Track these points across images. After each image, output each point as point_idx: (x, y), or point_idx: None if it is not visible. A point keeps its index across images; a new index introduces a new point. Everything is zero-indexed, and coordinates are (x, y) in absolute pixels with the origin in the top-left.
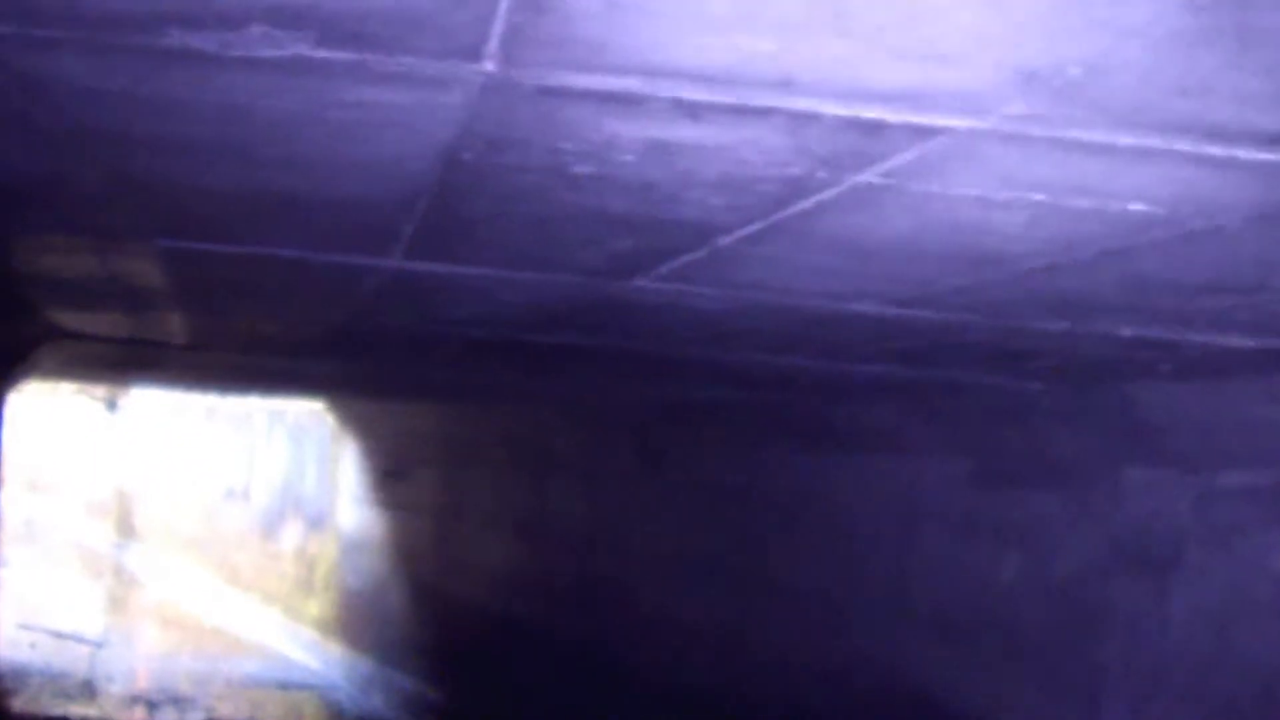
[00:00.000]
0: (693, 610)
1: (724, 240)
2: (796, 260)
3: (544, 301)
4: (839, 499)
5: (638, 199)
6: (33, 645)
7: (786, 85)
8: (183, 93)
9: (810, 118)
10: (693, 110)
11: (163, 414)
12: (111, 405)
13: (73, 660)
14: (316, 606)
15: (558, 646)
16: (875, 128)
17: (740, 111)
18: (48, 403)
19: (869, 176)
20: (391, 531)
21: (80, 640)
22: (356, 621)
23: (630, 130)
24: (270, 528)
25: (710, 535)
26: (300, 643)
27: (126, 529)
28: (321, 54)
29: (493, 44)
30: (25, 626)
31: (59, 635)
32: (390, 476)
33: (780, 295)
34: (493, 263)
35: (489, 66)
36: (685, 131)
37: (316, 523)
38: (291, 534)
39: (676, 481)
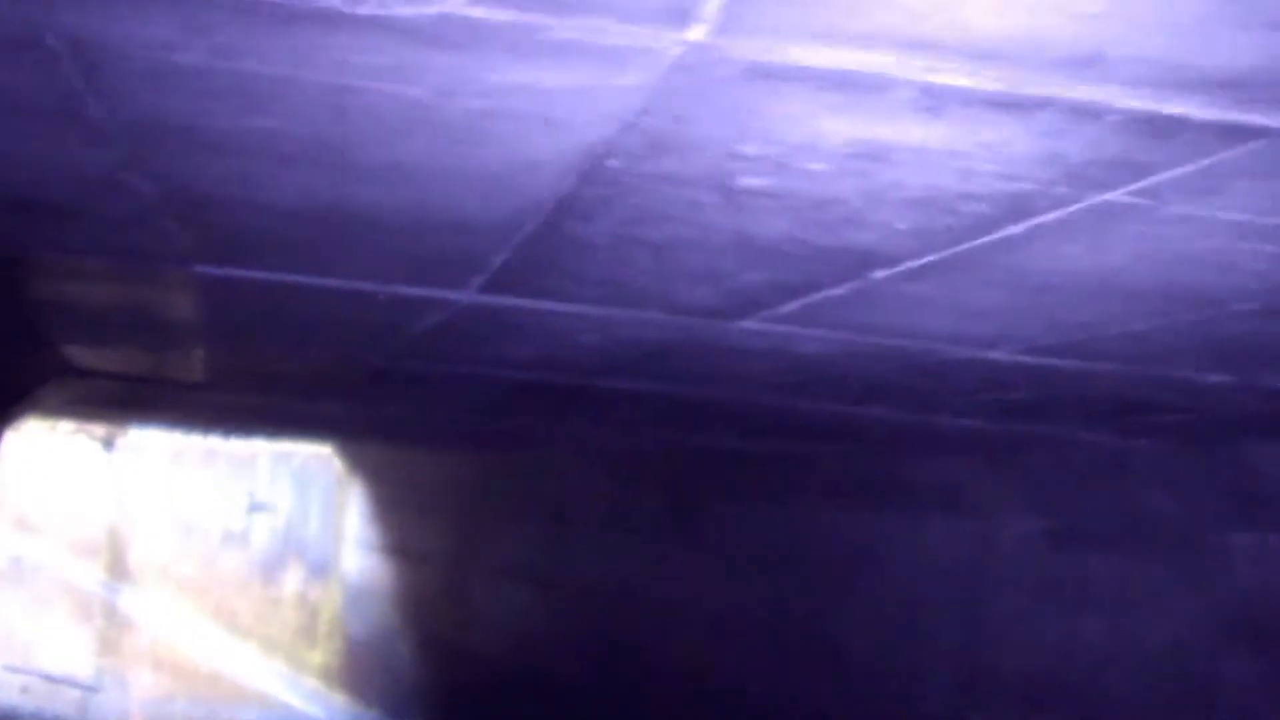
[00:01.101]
0: (728, 674)
1: (880, 274)
2: (950, 300)
3: (624, 343)
4: (899, 559)
5: (805, 221)
6: (24, 689)
7: (1090, 64)
8: (281, 69)
9: (1091, 113)
10: (937, 101)
11: (161, 454)
12: (108, 445)
13: (65, 705)
14: (319, 655)
15: (573, 705)
16: (1170, 127)
17: (1001, 104)
18: (43, 440)
19: (1118, 195)
20: (399, 580)
21: (73, 684)
22: (361, 671)
23: (843, 129)
24: (271, 573)
25: (750, 595)
26: (302, 692)
27: (121, 571)
28: (478, 11)
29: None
30: (15, 669)
31: (51, 679)
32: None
33: (902, 339)
34: (584, 298)
35: (696, 33)
36: (913, 131)
37: (320, 569)
38: (293, 580)
39: (712, 536)
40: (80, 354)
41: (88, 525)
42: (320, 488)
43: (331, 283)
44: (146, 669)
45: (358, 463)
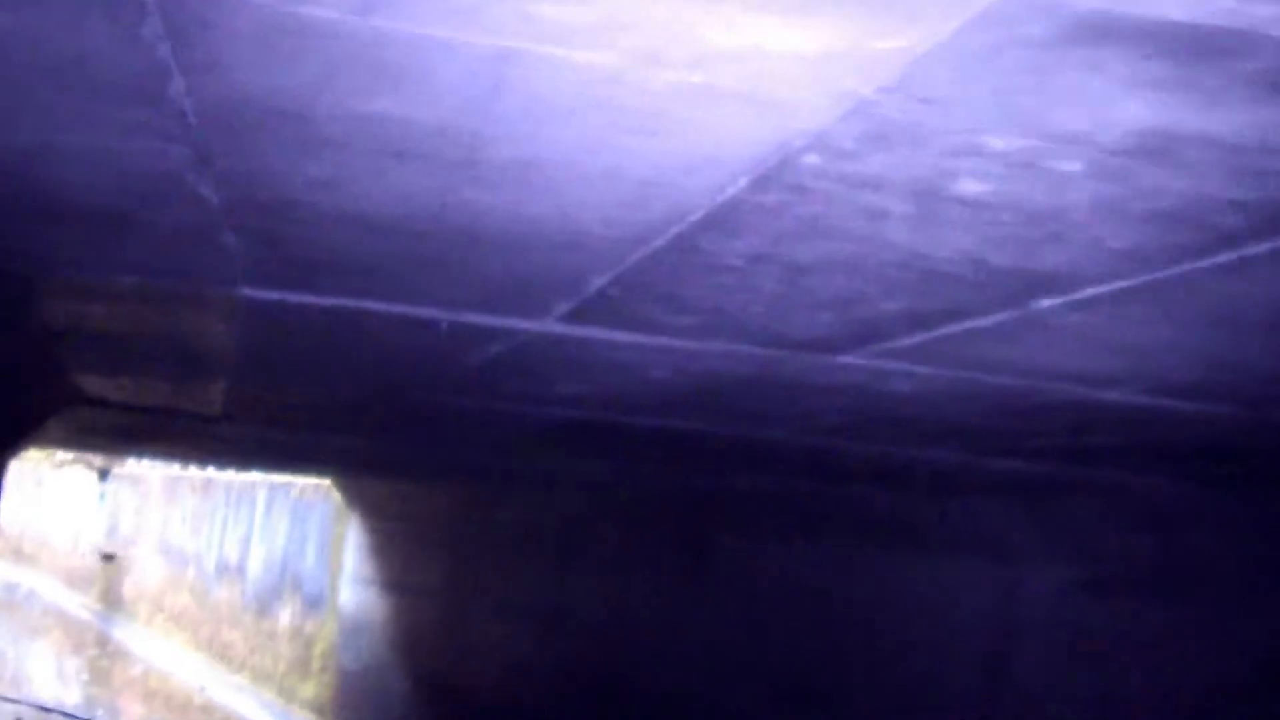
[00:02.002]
0: (740, 713)
1: (1047, 303)
2: (1107, 333)
3: (692, 379)
4: (922, 605)
5: (999, 238)
6: (17, 719)
7: None
8: (437, 29)
9: None
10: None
11: (156, 484)
12: (104, 474)
13: None
14: (312, 688)
15: None
16: None
17: None
18: (38, 468)
19: None
20: (396, 615)
21: (66, 714)
22: (356, 706)
23: (1143, 114)
24: (265, 605)
25: (763, 640)
26: None
27: (114, 601)
28: None
29: None
30: (8, 699)
31: (44, 709)
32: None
33: (1013, 377)
34: (672, 330)
35: None
36: (1232, 117)
37: (315, 602)
38: (288, 613)
39: (722, 577)
40: (93, 383)
41: (82, 554)
42: (318, 520)
43: (395, 309)
44: (138, 699)
45: (356, 495)
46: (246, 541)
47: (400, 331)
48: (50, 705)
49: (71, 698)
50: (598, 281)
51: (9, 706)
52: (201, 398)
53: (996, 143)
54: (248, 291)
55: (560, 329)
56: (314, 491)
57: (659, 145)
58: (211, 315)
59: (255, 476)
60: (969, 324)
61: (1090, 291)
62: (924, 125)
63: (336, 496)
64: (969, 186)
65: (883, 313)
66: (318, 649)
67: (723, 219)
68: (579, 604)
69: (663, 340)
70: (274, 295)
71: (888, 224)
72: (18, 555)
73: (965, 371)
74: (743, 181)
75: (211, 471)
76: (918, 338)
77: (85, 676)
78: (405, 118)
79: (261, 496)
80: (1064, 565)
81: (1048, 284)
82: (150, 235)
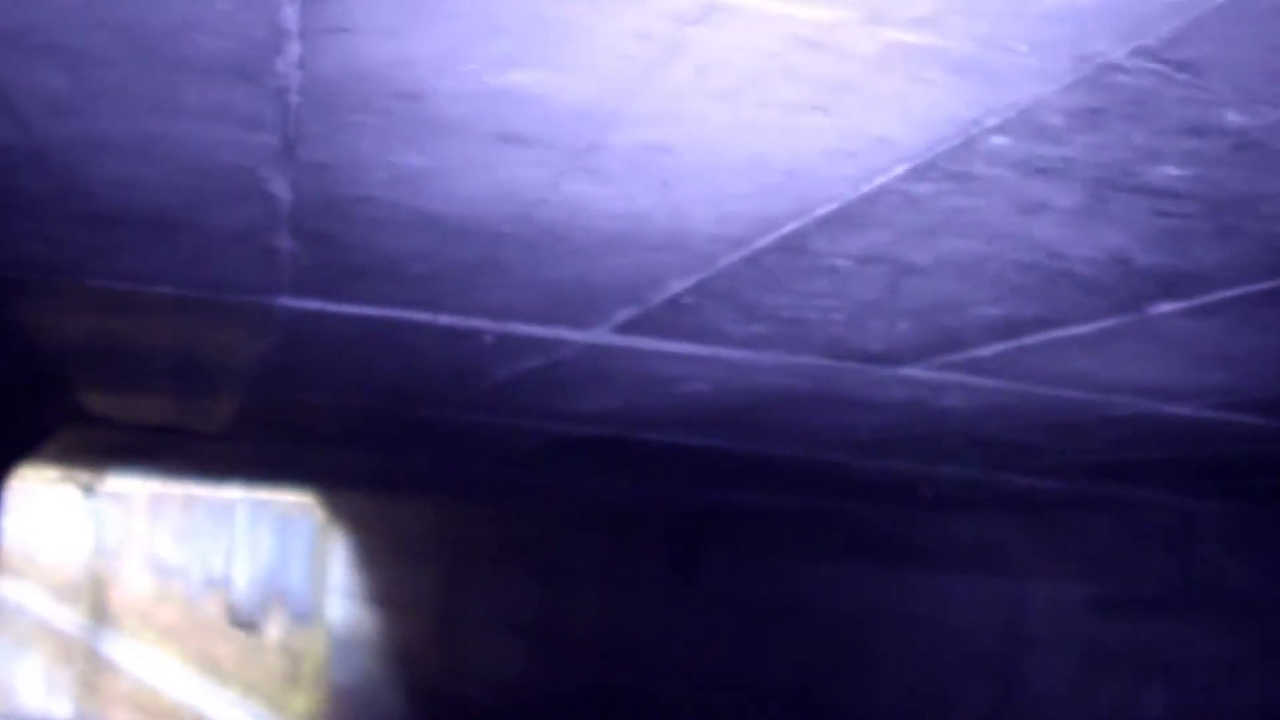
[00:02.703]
0: None
1: (1168, 307)
2: (1213, 342)
3: (730, 395)
4: (924, 622)
5: (1160, 231)
6: None
7: None
8: None
9: None
10: None
11: (140, 499)
12: (89, 490)
13: None
14: (302, 702)
15: None
16: None
17: None
18: (25, 484)
19: None
20: (385, 630)
21: None
22: (345, 719)
23: None
24: (253, 619)
25: (754, 656)
26: None
27: (100, 614)
28: None
29: None
30: None
31: None
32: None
33: (1076, 391)
34: (734, 341)
35: None
36: None
37: (302, 617)
38: (275, 627)
39: (714, 592)
40: (100, 401)
41: (69, 569)
42: (302, 535)
43: (439, 320)
44: (128, 713)
45: (341, 510)
46: (231, 556)
47: (435, 344)
48: (40, 719)
49: (61, 711)
50: (676, 287)
51: None
52: (206, 415)
53: (1234, 118)
54: (287, 302)
55: (610, 339)
56: (297, 507)
57: (827, 125)
58: (242, 328)
59: (237, 493)
60: (1060, 333)
61: (1220, 295)
62: (1162, 96)
63: (320, 513)
64: (1166, 172)
65: (973, 320)
66: (307, 664)
67: (854, 213)
68: (569, 617)
69: (718, 351)
70: (314, 305)
71: (1039, 218)
72: (5, 569)
73: (1025, 384)
74: (900, 169)
75: (195, 487)
76: (995, 348)
77: (75, 689)
78: (540, 96)
79: (243, 512)
80: (1073, 582)
81: (1182, 286)
82: (195, 241)
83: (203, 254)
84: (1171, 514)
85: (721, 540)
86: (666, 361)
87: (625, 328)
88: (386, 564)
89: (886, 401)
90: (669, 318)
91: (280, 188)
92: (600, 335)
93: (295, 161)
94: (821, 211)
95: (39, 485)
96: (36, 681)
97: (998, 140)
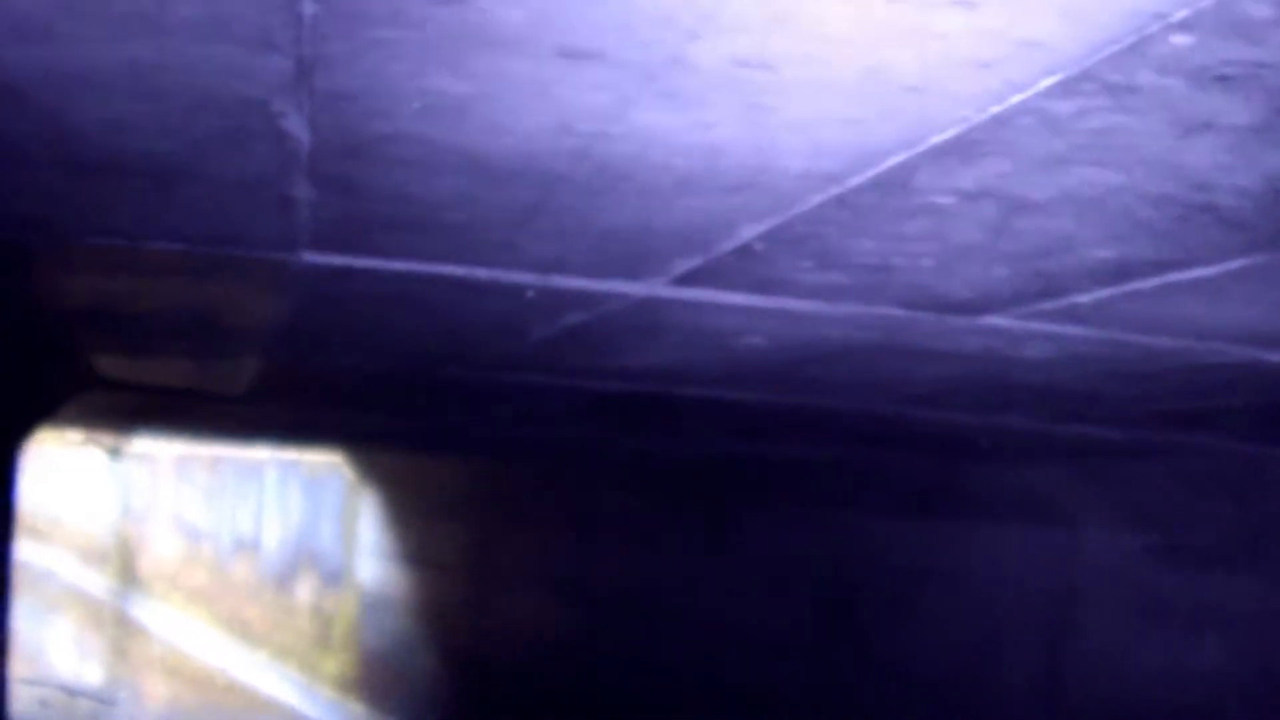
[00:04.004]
0: (767, 693)
1: None
2: None
3: (786, 348)
4: (973, 576)
5: None
6: (43, 703)
7: None
8: None
9: None
10: None
11: (167, 461)
12: (115, 453)
13: (82, 718)
14: (335, 664)
15: (598, 717)
16: None
17: None
18: (49, 448)
19: None
20: (417, 590)
21: (89, 696)
22: (380, 681)
23: None
24: (283, 581)
25: (795, 612)
26: (319, 701)
27: (129, 578)
28: None
29: None
30: (33, 682)
31: (69, 691)
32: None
33: (1170, 338)
34: (802, 291)
35: None
36: None
37: (333, 578)
38: (306, 588)
39: (752, 548)
40: (111, 364)
41: (97, 533)
42: (331, 495)
43: (477, 274)
44: (161, 678)
45: (371, 470)
46: (260, 518)
47: (471, 299)
48: (76, 688)
49: (93, 676)
50: (747, 233)
51: (34, 690)
52: (227, 377)
53: None
54: (309, 257)
55: (667, 293)
56: (326, 466)
57: (967, 27)
58: (260, 286)
59: (264, 453)
60: (1177, 276)
61: None
62: None
63: (349, 472)
64: None
65: (1080, 263)
66: (339, 625)
67: (974, 140)
68: (604, 575)
69: (783, 303)
70: (339, 260)
71: (1199, 141)
72: (32, 533)
73: (1117, 332)
74: (1046, 82)
75: (222, 448)
76: (1096, 294)
77: (104, 654)
78: (606, 21)
79: (273, 472)
80: (1130, 532)
81: None
82: (204, 191)
83: (211, 206)
84: (1234, 461)
85: (761, 495)
86: (724, 314)
87: (683, 280)
88: (418, 523)
89: (955, 352)
90: (734, 267)
91: (295, 124)
92: (656, 288)
93: (312, 92)
94: (937, 139)
95: (64, 448)
96: (66, 646)
97: (1178, 40)
